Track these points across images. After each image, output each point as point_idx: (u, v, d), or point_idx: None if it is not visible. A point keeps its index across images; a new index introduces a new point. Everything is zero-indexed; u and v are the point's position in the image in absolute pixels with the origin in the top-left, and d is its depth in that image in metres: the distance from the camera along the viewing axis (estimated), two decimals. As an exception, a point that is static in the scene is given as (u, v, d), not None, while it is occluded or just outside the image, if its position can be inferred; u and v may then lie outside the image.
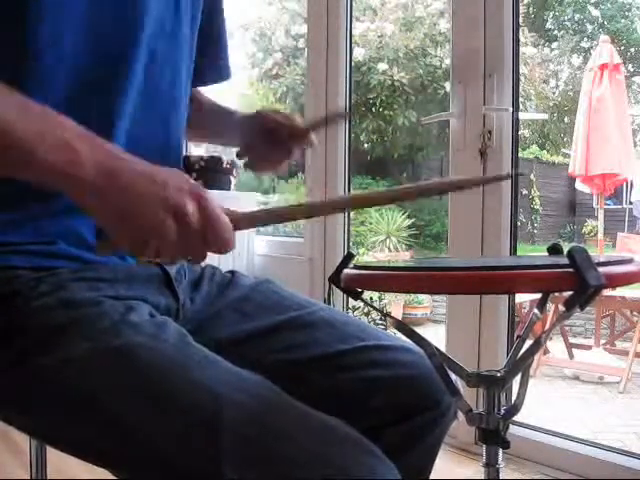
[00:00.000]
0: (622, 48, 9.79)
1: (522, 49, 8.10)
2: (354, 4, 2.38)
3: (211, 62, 0.95)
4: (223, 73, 1.00)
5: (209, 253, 0.58)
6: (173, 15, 0.78)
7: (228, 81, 1.01)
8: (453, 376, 0.69)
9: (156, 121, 0.77)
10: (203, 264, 0.88)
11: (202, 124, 0.99)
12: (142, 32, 0.72)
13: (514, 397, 0.67)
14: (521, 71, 7.32)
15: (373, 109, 7.53)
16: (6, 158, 0.54)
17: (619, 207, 7.23)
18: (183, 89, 0.83)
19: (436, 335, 4.12)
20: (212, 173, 2.46)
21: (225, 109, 1.00)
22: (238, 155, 0.94)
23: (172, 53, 0.78)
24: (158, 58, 0.75)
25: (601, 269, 0.53)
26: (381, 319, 3.09)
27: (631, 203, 6.77)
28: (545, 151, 9.44)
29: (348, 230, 2.39)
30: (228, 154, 2.55)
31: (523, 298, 3.44)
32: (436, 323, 5.28)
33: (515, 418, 0.67)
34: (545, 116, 9.56)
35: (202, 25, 0.87)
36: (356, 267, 0.66)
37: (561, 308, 0.59)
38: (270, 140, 0.89)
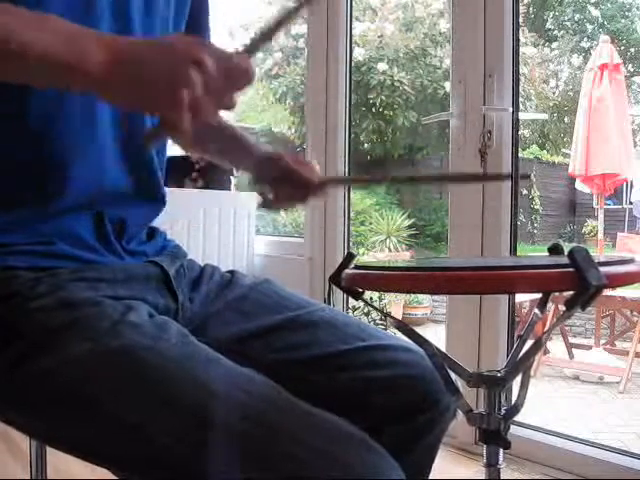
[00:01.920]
0: (622, 48, 9.79)
1: (522, 49, 8.10)
2: (354, 4, 2.38)
3: None
4: None
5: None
6: (144, 15, 0.76)
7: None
8: (453, 376, 0.69)
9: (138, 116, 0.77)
10: (202, 263, 0.88)
11: (210, 141, 0.98)
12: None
13: (514, 397, 0.67)
14: (521, 71, 7.32)
15: (373, 109, 7.53)
16: (20, 63, 0.54)
17: (619, 207, 7.22)
18: None
19: (436, 335, 4.12)
20: (212, 173, 2.46)
21: (240, 136, 0.99)
22: (250, 184, 0.93)
23: None
24: None
25: (602, 269, 0.53)
26: (381, 319, 3.09)
27: (631, 203, 6.76)
28: (545, 151, 9.44)
29: (348, 230, 2.38)
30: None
31: (523, 298, 3.44)
32: (436, 323, 5.28)
33: (515, 418, 0.67)
34: (545, 116, 9.56)
35: (187, 24, 0.86)
36: (357, 267, 0.66)
37: (561, 308, 0.59)
38: (285, 184, 0.89)
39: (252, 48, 0.59)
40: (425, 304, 5.38)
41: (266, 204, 0.92)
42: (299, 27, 7.63)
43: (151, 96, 0.54)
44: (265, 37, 0.60)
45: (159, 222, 0.86)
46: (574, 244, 0.62)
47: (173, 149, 0.98)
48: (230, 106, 0.57)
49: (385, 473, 0.56)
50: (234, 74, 0.56)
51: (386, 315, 0.85)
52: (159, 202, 0.83)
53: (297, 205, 0.92)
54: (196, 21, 0.90)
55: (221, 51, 0.56)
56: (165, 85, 0.53)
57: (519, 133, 1.98)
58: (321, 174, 0.91)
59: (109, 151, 0.73)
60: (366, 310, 2.99)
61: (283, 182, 0.89)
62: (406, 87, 7.37)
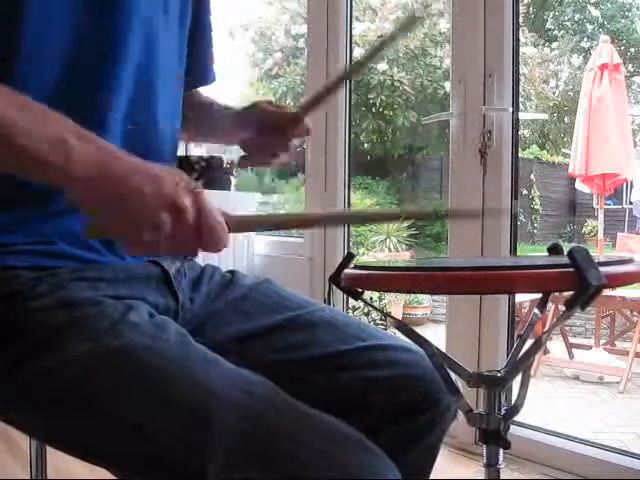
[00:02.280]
0: (622, 48, 9.78)
1: (522, 49, 8.10)
2: (354, 4, 2.38)
3: (196, 64, 0.93)
4: (209, 76, 0.99)
5: (203, 252, 0.58)
6: (162, 14, 0.77)
7: (213, 84, 1.00)
8: (453, 376, 0.69)
9: (150, 117, 0.77)
10: (203, 263, 0.88)
11: (200, 122, 0.99)
12: (130, 33, 0.72)
13: (514, 397, 0.67)
14: (521, 71, 7.32)
15: (373, 109, 7.53)
16: (5, 156, 0.55)
17: (619, 207, 7.22)
18: (176, 84, 0.83)
19: (436, 335, 4.12)
20: (212, 173, 2.46)
21: (222, 106, 1.00)
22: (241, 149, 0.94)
23: (163, 48, 0.78)
24: (150, 54, 0.75)
25: (602, 269, 0.53)
26: (381, 319, 3.09)
27: (631, 203, 6.77)
28: (545, 151, 9.44)
29: (348, 230, 2.39)
30: (228, 154, 2.55)
31: (523, 298, 3.44)
32: (436, 323, 5.28)
33: (515, 418, 0.67)
34: (545, 116, 9.56)
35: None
36: (357, 267, 0.66)
37: (561, 308, 0.59)
38: (268, 131, 0.89)
39: (244, 224, 0.62)
40: (425, 304, 5.38)
41: (249, 157, 0.93)
42: (299, 27, 7.65)
43: (117, 219, 0.55)
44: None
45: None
46: (574, 244, 0.62)
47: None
48: (191, 255, 0.58)
49: (382, 473, 0.56)
50: (206, 235, 0.56)
51: (386, 315, 0.85)
52: None
53: (281, 156, 0.92)
54: (197, 20, 0.90)
55: (207, 205, 0.56)
56: (133, 218, 0.54)
57: (519, 133, 1.98)
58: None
59: None
60: (366, 310, 2.99)
61: (264, 127, 0.90)
62: (406, 87, 7.37)
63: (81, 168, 0.54)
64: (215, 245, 0.57)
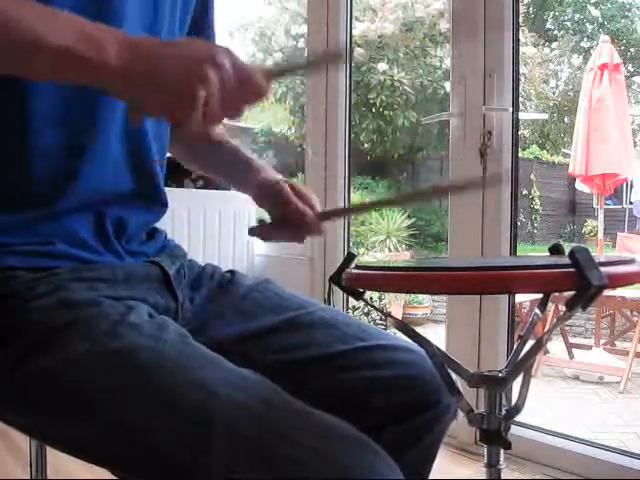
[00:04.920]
0: (622, 48, 9.79)
1: (522, 49, 8.10)
2: (354, 4, 2.38)
3: None
4: None
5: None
6: (153, 17, 0.76)
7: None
8: (453, 376, 0.69)
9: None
10: (203, 263, 0.87)
11: (214, 161, 0.96)
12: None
13: (515, 398, 0.67)
14: (521, 71, 7.32)
15: (373, 109, 7.53)
16: (36, 58, 0.54)
17: (619, 207, 7.23)
18: None
19: (436, 335, 4.12)
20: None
21: (245, 158, 0.92)
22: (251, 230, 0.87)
23: None
24: None
25: (603, 269, 0.53)
26: (381, 319, 3.09)
27: (631, 203, 6.77)
28: (545, 151, 9.45)
29: (348, 230, 2.39)
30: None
31: (523, 298, 3.44)
32: (436, 323, 5.28)
33: (515, 418, 0.67)
34: (545, 116, 9.57)
35: (189, 29, 0.85)
36: (357, 267, 0.66)
37: (562, 308, 0.59)
38: (283, 217, 0.83)
39: (276, 72, 0.60)
40: (425, 304, 5.39)
41: (258, 232, 0.85)
42: (299, 27, 7.65)
43: (165, 92, 0.54)
44: (291, 70, 0.61)
45: (159, 222, 0.86)
46: (574, 244, 0.61)
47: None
48: (237, 115, 0.58)
49: (384, 474, 0.56)
50: (249, 86, 0.57)
51: (386, 315, 0.84)
52: (160, 204, 0.83)
53: (292, 241, 0.85)
54: (200, 22, 0.89)
55: (241, 61, 0.56)
56: (181, 81, 0.53)
57: (519, 133, 1.98)
58: (319, 208, 0.84)
59: (112, 151, 0.73)
60: (366, 310, 3.00)
61: (280, 215, 0.83)
62: (406, 87, 7.38)
63: (115, 56, 0.53)
64: (260, 93, 0.57)
